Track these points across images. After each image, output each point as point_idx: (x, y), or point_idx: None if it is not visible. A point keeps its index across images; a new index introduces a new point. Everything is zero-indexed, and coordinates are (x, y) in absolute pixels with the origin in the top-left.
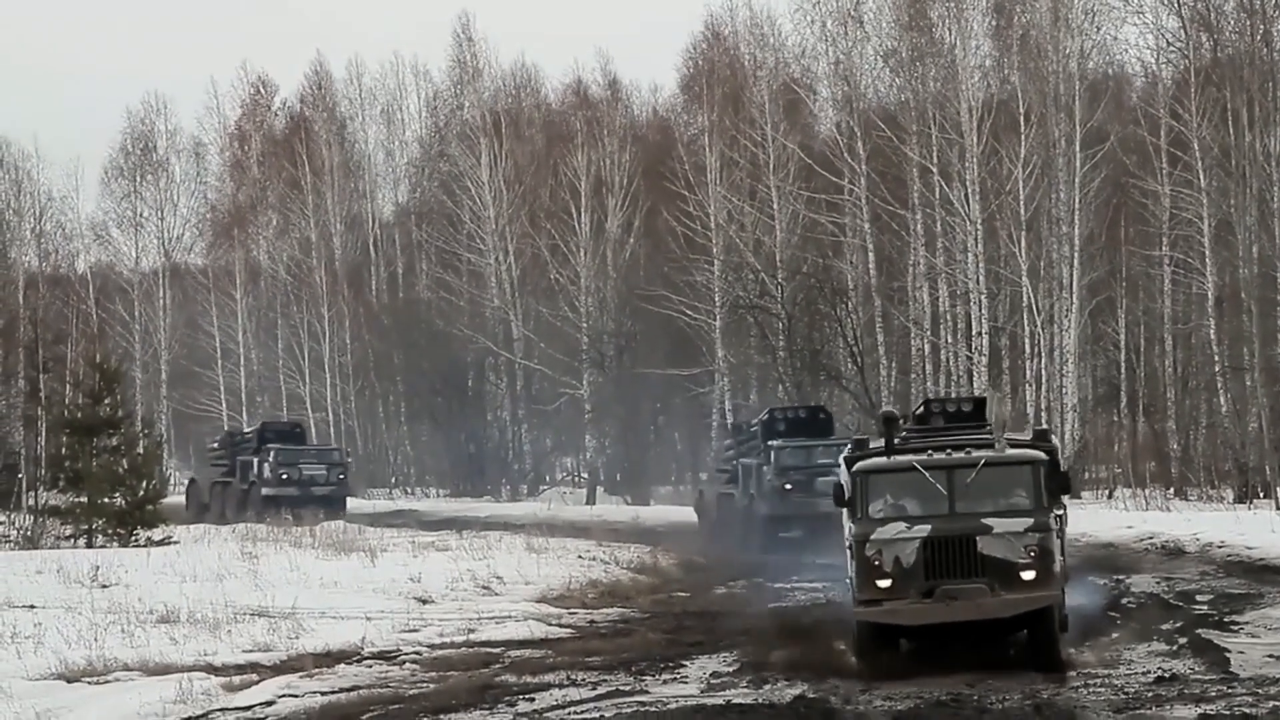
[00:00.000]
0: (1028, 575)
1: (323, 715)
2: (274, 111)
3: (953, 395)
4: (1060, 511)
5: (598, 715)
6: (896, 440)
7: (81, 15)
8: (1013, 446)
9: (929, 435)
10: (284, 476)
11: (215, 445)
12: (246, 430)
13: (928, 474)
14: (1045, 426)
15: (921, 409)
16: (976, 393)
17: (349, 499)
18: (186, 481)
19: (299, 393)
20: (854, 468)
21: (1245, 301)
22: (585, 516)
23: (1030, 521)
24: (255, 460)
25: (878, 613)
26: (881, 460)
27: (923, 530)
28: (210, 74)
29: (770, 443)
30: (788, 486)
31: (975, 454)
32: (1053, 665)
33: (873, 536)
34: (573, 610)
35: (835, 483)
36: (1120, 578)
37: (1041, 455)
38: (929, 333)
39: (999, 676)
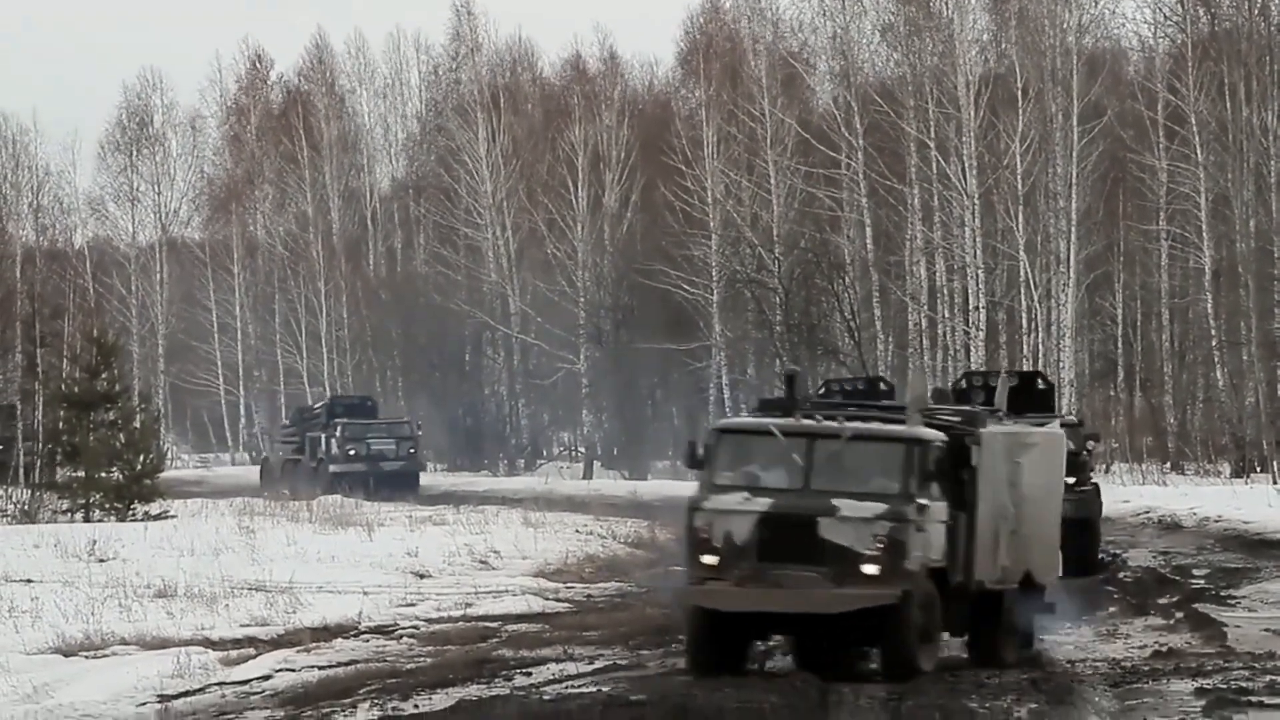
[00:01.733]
0: (869, 569)
1: (320, 689)
2: (271, 85)
3: (956, 371)
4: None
5: (595, 689)
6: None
7: None
8: (933, 425)
9: (842, 406)
10: (351, 452)
11: (287, 423)
12: (316, 405)
13: (785, 440)
14: (1074, 418)
15: (964, 383)
16: (979, 368)
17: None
18: (260, 459)
19: (296, 367)
20: (712, 425)
21: (1242, 276)
22: (582, 491)
23: (884, 508)
24: (323, 436)
25: (696, 593)
26: (738, 420)
27: (762, 504)
28: (215, 48)
29: None
30: None
31: (847, 425)
32: (901, 674)
33: (705, 505)
34: (570, 585)
35: (689, 441)
36: (1117, 552)
37: (930, 436)
38: (926, 307)
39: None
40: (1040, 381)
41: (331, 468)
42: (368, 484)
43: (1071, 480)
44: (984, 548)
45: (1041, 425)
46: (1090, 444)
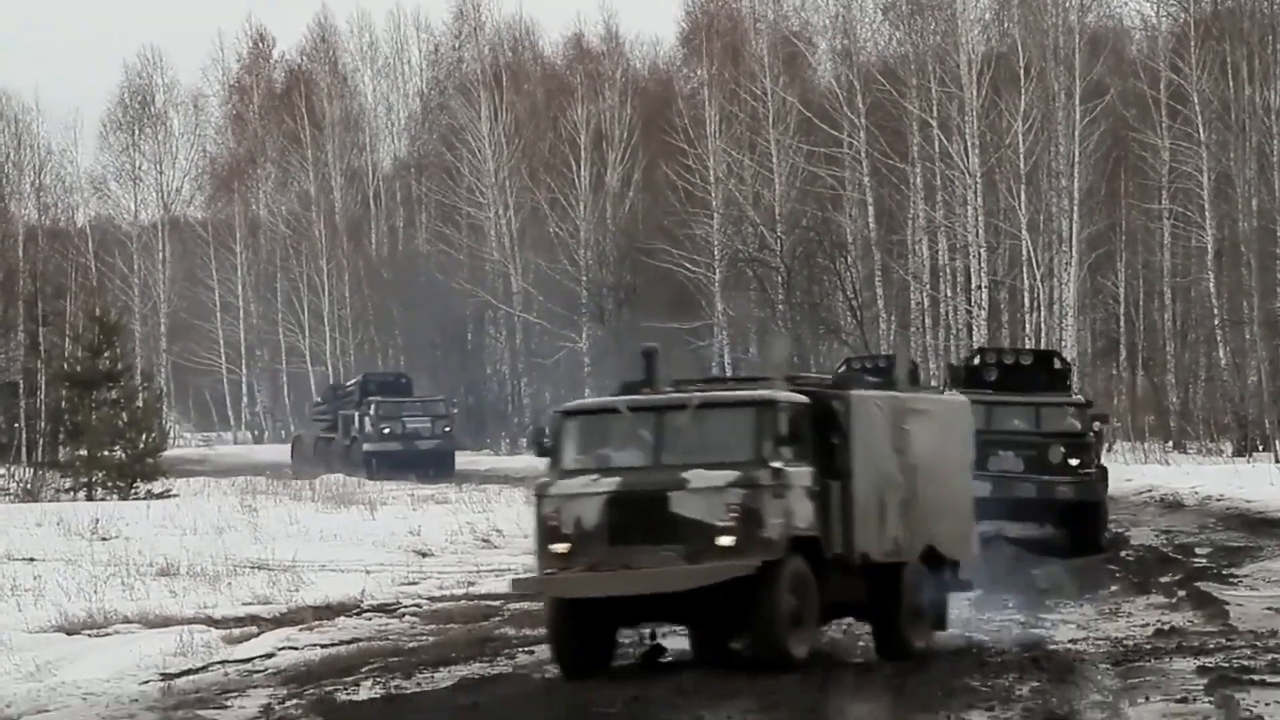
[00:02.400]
0: (725, 540)
1: (322, 667)
2: (273, 64)
3: (959, 351)
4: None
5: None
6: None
7: None
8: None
9: (720, 381)
10: (386, 431)
11: (319, 400)
12: (348, 382)
13: (632, 416)
14: (1082, 397)
15: (976, 359)
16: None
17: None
18: (292, 438)
19: (298, 346)
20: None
21: (1244, 255)
22: None
23: (735, 475)
24: (356, 414)
25: (546, 583)
26: (583, 401)
27: (610, 484)
28: (217, 27)
29: None
30: None
31: (695, 394)
32: (771, 659)
33: (551, 491)
34: None
35: (534, 427)
36: (1120, 530)
37: (781, 397)
38: (928, 286)
39: (996, 630)
40: (1057, 361)
41: (365, 447)
42: (402, 463)
43: (1075, 462)
44: (866, 517)
45: (941, 394)
46: (1097, 425)
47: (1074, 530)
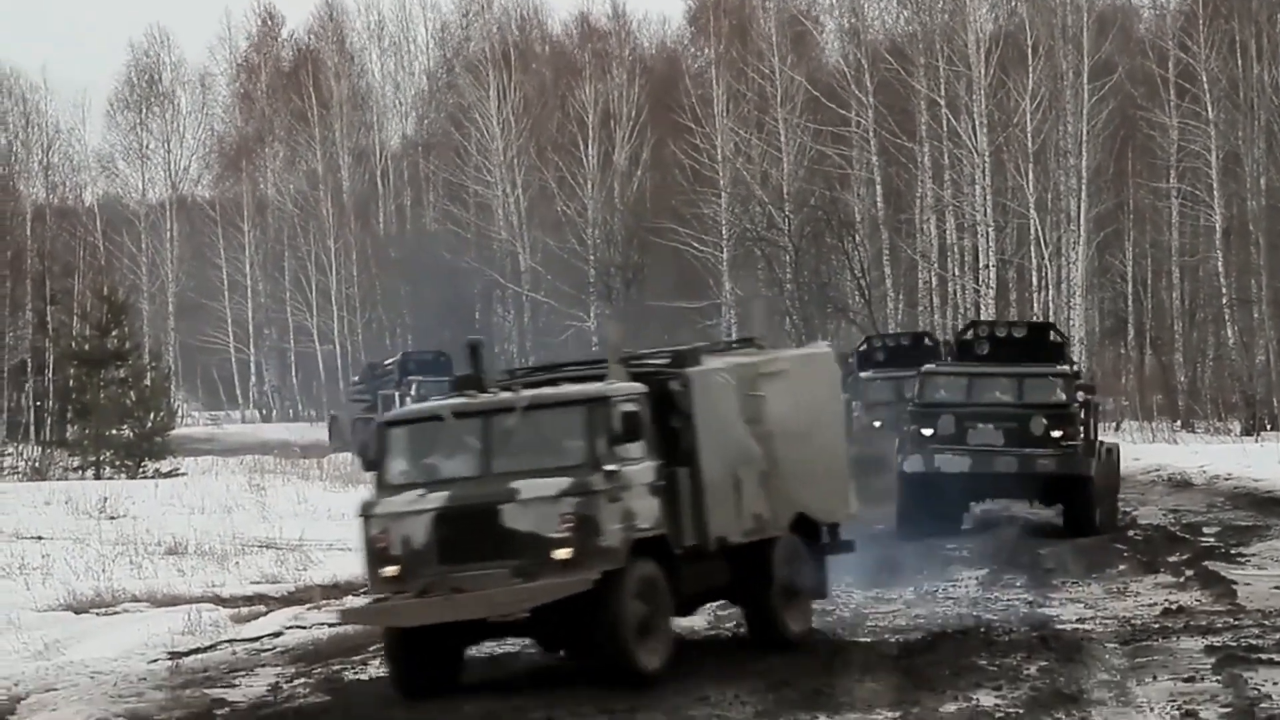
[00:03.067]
0: (561, 554)
1: (330, 646)
2: (281, 43)
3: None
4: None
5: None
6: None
7: None
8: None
9: (562, 369)
10: None
11: (356, 380)
12: (388, 361)
13: (457, 423)
14: (1068, 367)
15: (969, 333)
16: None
17: None
18: (328, 418)
19: (306, 325)
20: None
21: (1253, 233)
22: None
23: (568, 482)
24: (396, 395)
25: (372, 612)
26: (404, 410)
27: (438, 499)
28: (225, 5)
29: (861, 374)
30: (876, 424)
31: (522, 395)
32: (618, 675)
33: (377, 510)
34: None
35: (362, 440)
36: (1127, 510)
37: (614, 391)
38: (936, 265)
39: (1004, 610)
40: (1053, 334)
41: None
42: None
43: (1058, 434)
44: (719, 499)
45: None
46: (1082, 395)
47: (1064, 508)
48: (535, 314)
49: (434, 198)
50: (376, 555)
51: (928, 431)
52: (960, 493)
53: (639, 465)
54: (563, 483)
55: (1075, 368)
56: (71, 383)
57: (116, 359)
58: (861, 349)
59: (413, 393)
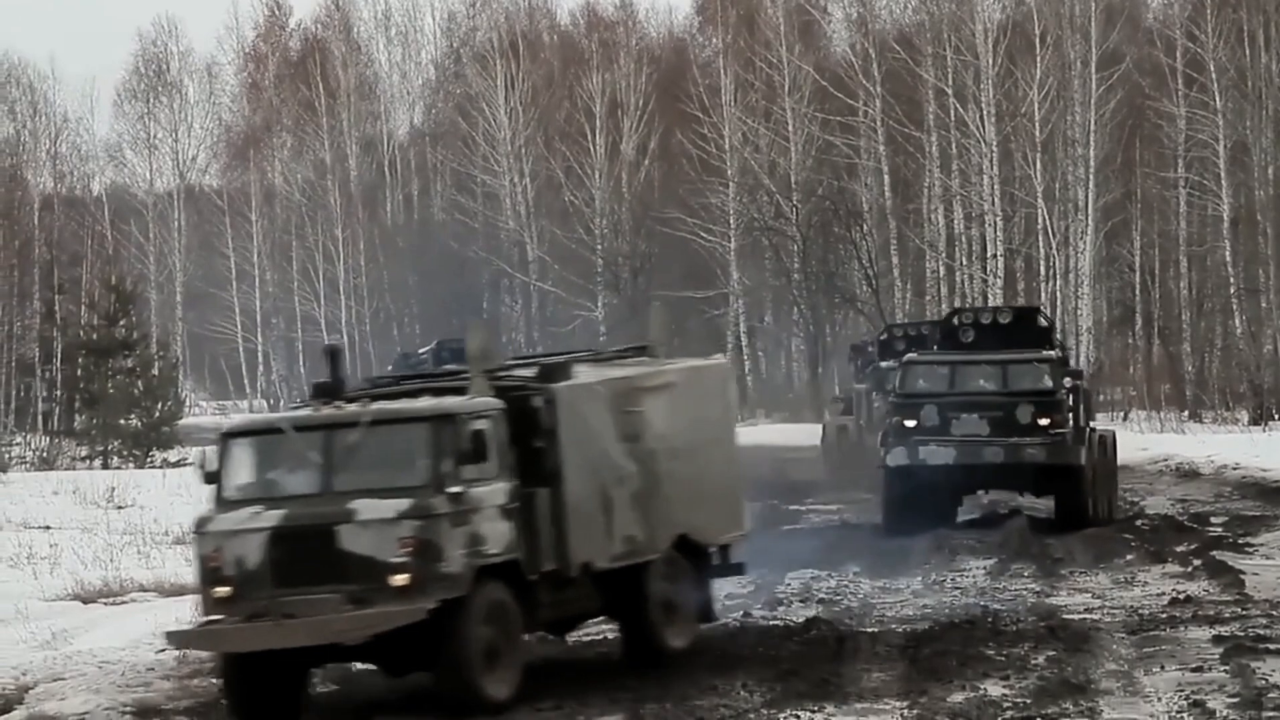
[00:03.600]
0: (398, 580)
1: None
2: (289, 33)
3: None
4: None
5: (613, 636)
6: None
7: None
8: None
9: (427, 378)
10: None
11: (389, 370)
12: (422, 350)
13: (300, 437)
14: (1054, 353)
15: (955, 320)
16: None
17: None
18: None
19: (314, 314)
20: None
21: (1261, 223)
22: None
23: (408, 504)
24: None
25: (198, 636)
26: (243, 420)
27: (273, 518)
28: None
29: (882, 364)
30: None
31: (367, 409)
32: (465, 701)
33: (210, 527)
34: None
35: (200, 453)
36: (1135, 499)
37: (463, 408)
38: (944, 255)
39: (1012, 600)
40: (1040, 318)
41: None
42: None
43: (1045, 422)
44: (584, 522)
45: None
46: (1070, 381)
47: (1055, 500)
48: (543, 304)
49: (441, 187)
50: (208, 575)
51: (910, 423)
52: (946, 485)
53: (490, 486)
54: (403, 504)
55: (1063, 352)
56: (79, 372)
57: (124, 348)
58: (882, 338)
59: None
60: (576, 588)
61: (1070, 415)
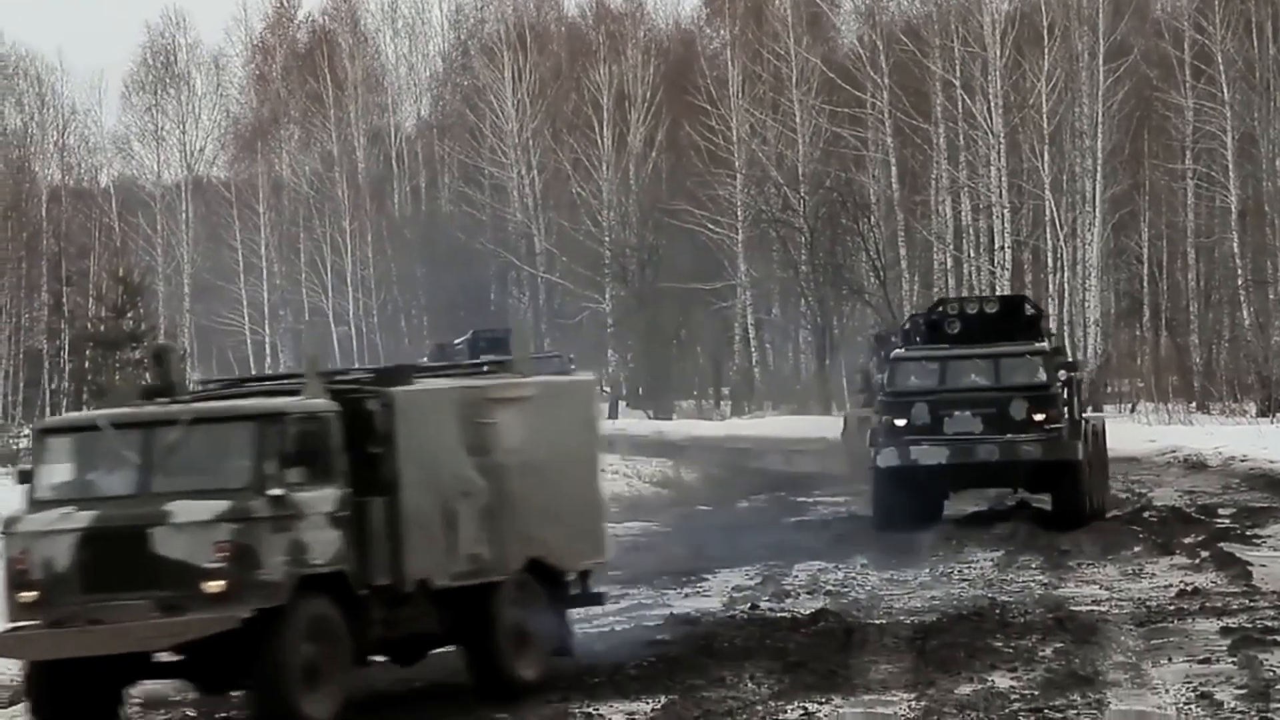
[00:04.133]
0: (213, 586)
1: None
2: (297, 24)
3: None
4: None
5: (620, 628)
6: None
7: None
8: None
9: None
10: None
11: (425, 360)
12: (457, 341)
13: (118, 435)
14: (1046, 344)
15: (939, 310)
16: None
17: None
18: None
19: (322, 306)
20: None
21: (1269, 214)
22: (607, 430)
23: (226, 506)
24: None
25: (4, 644)
26: (60, 417)
27: (84, 519)
28: None
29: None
30: None
31: (188, 408)
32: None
33: (19, 528)
34: None
35: (22, 450)
36: (1143, 491)
37: (291, 408)
38: (951, 247)
39: (1019, 592)
40: (1028, 307)
41: None
42: None
43: (1040, 417)
44: (422, 536)
45: (562, 376)
46: (1064, 374)
47: (1052, 497)
48: (550, 296)
49: (449, 179)
50: (14, 578)
51: (901, 422)
52: (939, 485)
53: (317, 492)
54: (220, 506)
55: (1052, 342)
56: (87, 364)
57: (132, 340)
58: (905, 328)
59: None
60: (413, 606)
61: (1065, 409)
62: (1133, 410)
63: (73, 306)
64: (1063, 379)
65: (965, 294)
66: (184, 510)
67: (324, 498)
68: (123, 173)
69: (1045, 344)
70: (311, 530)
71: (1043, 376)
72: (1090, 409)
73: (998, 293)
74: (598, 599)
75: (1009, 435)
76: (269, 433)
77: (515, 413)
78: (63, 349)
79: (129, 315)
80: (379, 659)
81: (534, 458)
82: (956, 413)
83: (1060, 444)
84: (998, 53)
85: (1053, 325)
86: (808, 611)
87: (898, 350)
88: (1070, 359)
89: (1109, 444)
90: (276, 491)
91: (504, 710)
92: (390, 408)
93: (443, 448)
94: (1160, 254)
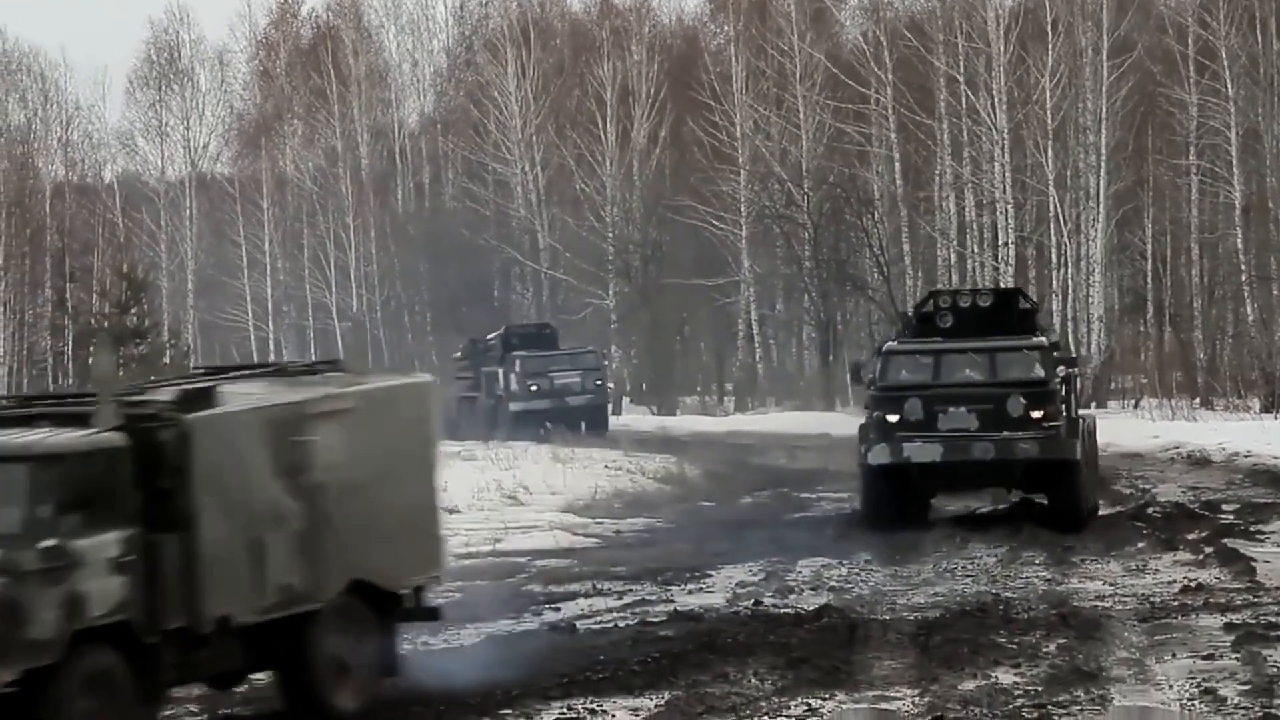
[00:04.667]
0: None
1: None
2: (300, 20)
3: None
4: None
5: (624, 624)
6: None
7: None
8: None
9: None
10: (533, 388)
11: (458, 355)
12: (490, 336)
13: None
14: (1044, 339)
15: (930, 304)
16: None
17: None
18: None
19: (325, 302)
20: None
21: (1273, 210)
22: (611, 426)
23: None
24: (500, 371)
25: None
26: None
27: None
28: None
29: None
30: None
31: None
32: None
33: None
34: (599, 520)
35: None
36: (1146, 487)
37: (65, 447)
38: (955, 242)
39: (1023, 588)
40: (1022, 300)
41: (512, 406)
42: (552, 421)
43: (1038, 415)
44: (222, 572)
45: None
46: (1063, 370)
47: (1048, 498)
48: (554, 292)
49: (453, 175)
50: None
51: (893, 418)
52: (932, 484)
53: (100, 537)
54: None
55: (1053, 338)
56: (91, 360)
57: (136, 336)
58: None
59: (517, 369)
60: (214, 646)
61: (1064, 405)
62: (1136, 406)
63: (76, 302)
64: (1061, 375)
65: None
66: None
67: (106, 542)
68: (126, 168)
69: (1044, 339)
70: (91, 579)
71: (1040, 372)
72: (1094, 405)
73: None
74: (433, 614)
75: (1005, 432)
76: (43, 476)
77: (336, 427)
78: (67, 344)
79: (133, 311)
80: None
81: (357, 474)
82: (951, 409)
83: (1058, 442)
84: (1001, 48)
85: (1055, 321)
86: (811, 607)
87: (890, 343)
88: (1072, 354)
89: (1112, 440)
90: (49, 542)
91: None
92: (186, 437)
93: (248, 474)
94: (1164, 250)
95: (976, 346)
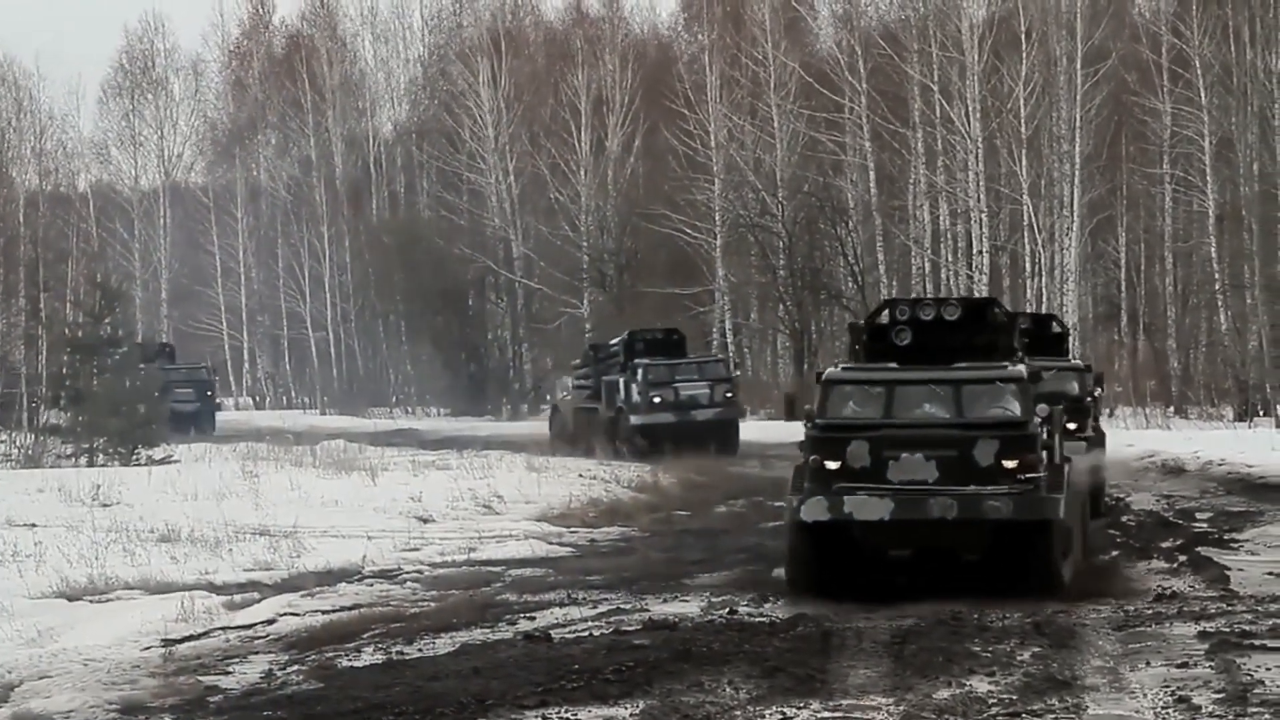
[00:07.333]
0: None
1: (323, 633)
2: (273, 29)
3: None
4: None
5: (599, 634)
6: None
7: None
8: None
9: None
10: (657, 400)
11: (577, 362)
12: (612, 341)
13: None
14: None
15: (885, 315)
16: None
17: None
18: (549, 409)
19: (299, 312)
20: None
21: (1246, 219)
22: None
23: None
24: (622, 380)
25: None
26: None
27: None
28: None
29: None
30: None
31: None
32: None
33: None
34: (573, 529)
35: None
36: (1120, 495)
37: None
38: (929, 251)
39: (998, 597)
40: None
41: (634, 419)
42: (677, 437)
43: (1012, 465)
44: None
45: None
46: (1045, 408)
47: (1012, 562)
48: (529, 301)
49: (427, 184)
50: None
51: (833, 464)
52: (878, 545)
53: None
54: None
55: (1026, 362)
56: (65, 370)
57: (110, 346)
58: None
59: (639, 377)
60: None
61: (1045, 452)
62: (1110, 415)
63: (50, 312)
64: (1096, 394)
65: (931, 295)
66: None
67: None
68: (100, 178)
69: (1022, 368)
70: None
71: (1015, 410)
72: (1108, 412)
73: (976, 297)
74: None
75: (972, 486)
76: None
77: None
78: (40, 354)
79: (107, 321)
80: None
81: None
82: (904, 455)
83: (1037, 500)
84: (975, 57)
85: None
86: (786, 616)
87: (831, 369)
88: (1100, 372)
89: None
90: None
91: None
92: None
93: None
94: (1138, 258)
95: (938, 377)
